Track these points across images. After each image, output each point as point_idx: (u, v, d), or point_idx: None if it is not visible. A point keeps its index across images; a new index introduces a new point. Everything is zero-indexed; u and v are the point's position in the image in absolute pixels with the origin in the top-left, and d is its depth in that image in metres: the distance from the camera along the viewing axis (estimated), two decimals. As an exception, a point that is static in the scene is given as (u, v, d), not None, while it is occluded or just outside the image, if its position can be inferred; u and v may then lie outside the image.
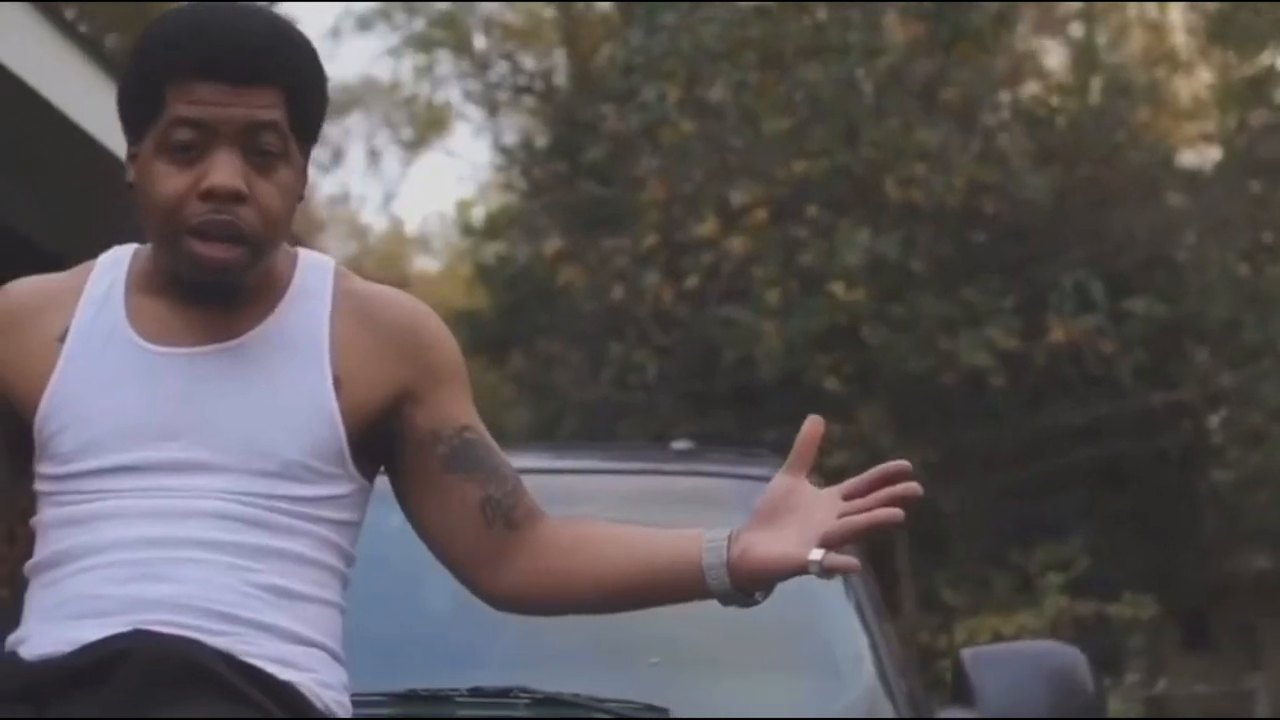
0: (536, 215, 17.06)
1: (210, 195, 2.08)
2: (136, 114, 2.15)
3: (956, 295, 13.37)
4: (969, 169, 13.40)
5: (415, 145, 32.93)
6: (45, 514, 2.16)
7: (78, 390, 2.14)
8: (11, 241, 6.71)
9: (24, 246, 6.72)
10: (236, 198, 2.09)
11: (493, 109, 22.81)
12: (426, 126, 30.83)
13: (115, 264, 2.25)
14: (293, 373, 2.16)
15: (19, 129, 6.00)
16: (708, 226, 13.58)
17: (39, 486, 2.17)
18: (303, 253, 2.28)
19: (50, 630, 2.07)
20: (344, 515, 2.19)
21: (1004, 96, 15.56)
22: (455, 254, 29.01)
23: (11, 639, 2.11)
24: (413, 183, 55.80)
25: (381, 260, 34.87)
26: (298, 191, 2.17)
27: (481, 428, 2.25)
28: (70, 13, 5.74)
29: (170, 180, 2.10)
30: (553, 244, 15.47)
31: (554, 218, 16.18)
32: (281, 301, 2.20)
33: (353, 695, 2.93)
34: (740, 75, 13.37)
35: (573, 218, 15.68)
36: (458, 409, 2.23)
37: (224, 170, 2.08)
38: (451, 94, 28.48)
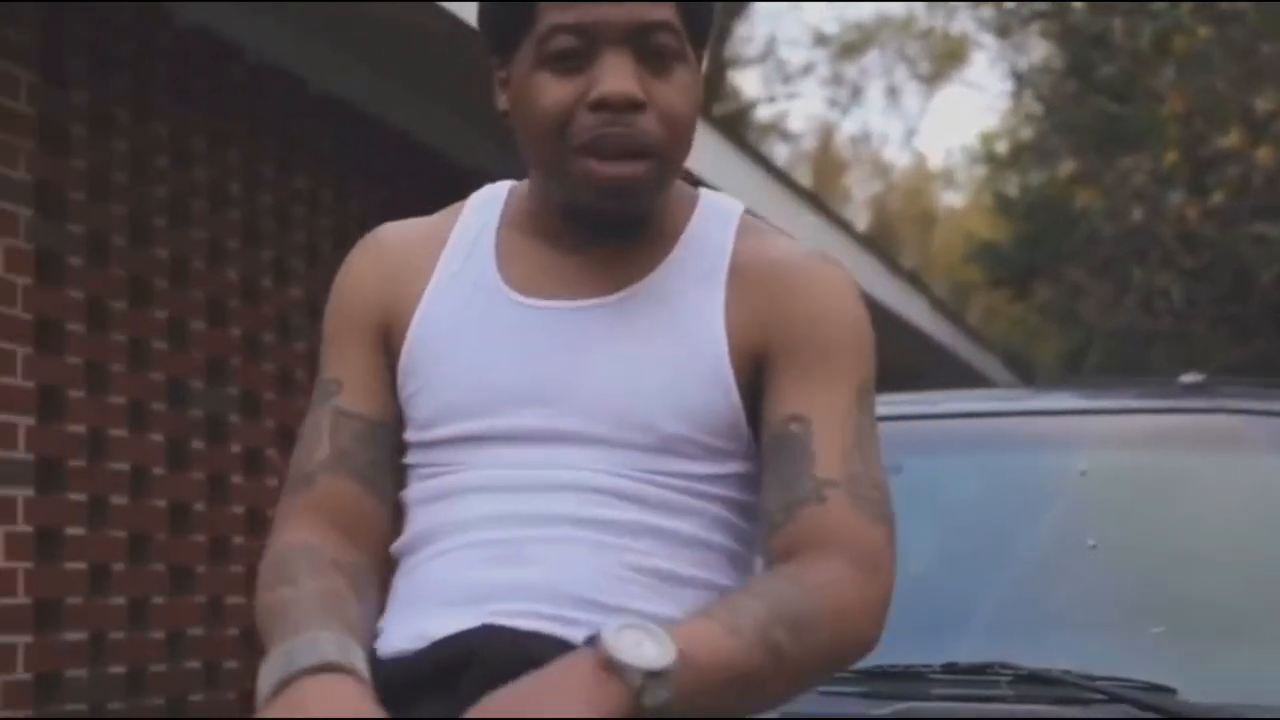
0: (1048, 138, 16.56)
1: (603, 105, 1.79)
2: (504, 29, 1.86)
3: None
4: None
5: (933, 79, 32.69)
6: (410, 489, 1.91)
7: (438, 346, 1.89)
8: (428, 158, 6.67)
9: (437, 161, 6.69)
10: (633, 106, 1.79)
11: (1004, 33, 22.27)
12: (943, 59, 30.55)
13: (488, 204, 1.99)
14: (683, 334, 1.85)
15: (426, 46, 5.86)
16: (1233, 138, 12.80)
17: (406, 458, 1.94)
18: (705, 196, 1.95)
19: (403, 623, 1.83)
20: (746, 496, 1.87)
21: None
22: (978, 186, 28.64)
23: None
24: (933, 117, 55.52)
25: (906, 196, 34.95)
26: (698, 97, 1.85)
27: (826, 422, 1.81)
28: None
29: (553, 91, 1.80)
30: (1066, 167, 14.94)
31: (1066, 140, 15.64)
32: (674, 251, 1.90)
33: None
34: (1261, -27, 12.58)
35: (1086, 138, 15.10)
36: (802, 393, 1.83)
37: (616, 76, 1.78)
38: (965, 24, 28.02)
